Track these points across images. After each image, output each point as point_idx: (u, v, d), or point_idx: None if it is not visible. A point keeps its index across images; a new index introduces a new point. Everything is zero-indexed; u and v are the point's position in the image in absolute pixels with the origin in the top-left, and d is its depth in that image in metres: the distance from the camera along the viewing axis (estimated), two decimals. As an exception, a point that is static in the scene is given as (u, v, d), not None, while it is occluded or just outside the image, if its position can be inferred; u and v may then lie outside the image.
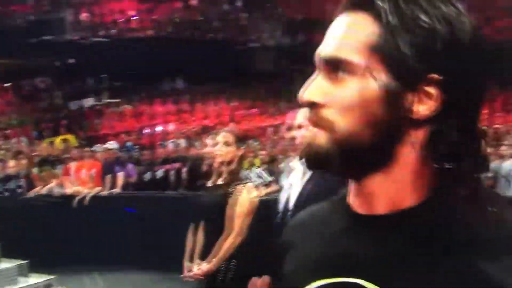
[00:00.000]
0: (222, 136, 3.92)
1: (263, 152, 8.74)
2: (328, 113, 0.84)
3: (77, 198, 8.07)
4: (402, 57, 0.80)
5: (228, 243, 3.78)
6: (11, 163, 9.18)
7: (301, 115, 3.29)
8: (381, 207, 0.86)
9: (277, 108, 20.14)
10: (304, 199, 3.15)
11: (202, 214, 4.07)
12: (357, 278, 0.82)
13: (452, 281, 0.76)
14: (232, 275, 3.76)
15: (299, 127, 3.22)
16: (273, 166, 8.55)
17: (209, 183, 4.10)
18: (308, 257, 0.93)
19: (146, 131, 15.98)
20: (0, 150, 10.83)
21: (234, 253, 3.79)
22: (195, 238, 4.07)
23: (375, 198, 0.87)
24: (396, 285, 0.79)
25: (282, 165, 7.86)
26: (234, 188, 3.83)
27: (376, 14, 0.82)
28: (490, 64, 0.85)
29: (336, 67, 0.84)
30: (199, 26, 23.78)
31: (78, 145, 13.01)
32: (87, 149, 9.69)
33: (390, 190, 0.85)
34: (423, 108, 0.81)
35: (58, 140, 13.42)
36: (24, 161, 9.36)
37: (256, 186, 7.18)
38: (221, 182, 3.91)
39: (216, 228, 3.89)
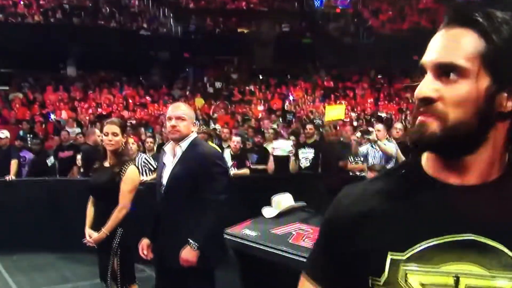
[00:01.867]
0: (109, 128, 4.65)
1: (150, 140, 9.40)
2: (440, 106, 1.10)
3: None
4: (502, 65, 1.08)
5: (114, 215, 4.58)
6: None
7: (171, 109, 4.24)
8: (473, 179, 1.14)
9: (170, 97, 20.72)
10: (173, 176, 4.12)
11: (96, 190, 4.85)
12: (472, 235, 1.08)
13: None
14: (119, 240, 4.62)
15: (169, 118, 4.15)
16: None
17: (97, 165, 4.91)
18: (406, 221, 1.14)
19: (39, 119, 15.96)
20: None
21: (121, 223, 4.64)
22: (92, 209, 4.83)
23: (469, 171, 1.14)
24: (504, 239, 1.08)
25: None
26: (120, 169, 4.66)
27: (480, 30, 1.09)
28: None
29: (447, 70, 1.09)
30: (89, 13, 23.79)
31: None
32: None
33: (482, 165, 1.13)
34: (511, 103, 1.10)
35: None
36: None
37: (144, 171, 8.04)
38: (107, 164, 4.74)
39: (107, 202, 4.67)
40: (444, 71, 1.10)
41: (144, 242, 4.32)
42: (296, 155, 8.74)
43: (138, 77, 23.43)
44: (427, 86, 1.11)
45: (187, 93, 21.68)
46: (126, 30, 24.07)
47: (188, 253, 3.92)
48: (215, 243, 4.10)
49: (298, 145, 9.17)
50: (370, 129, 7.80)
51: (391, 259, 1.11)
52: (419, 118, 1.12)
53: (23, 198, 8.57)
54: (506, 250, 1.06)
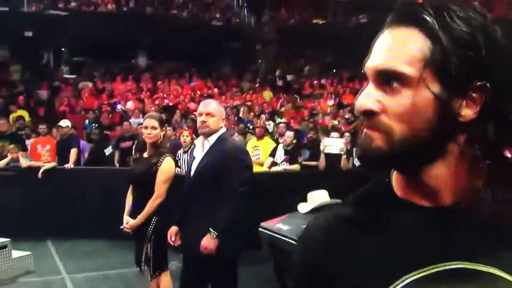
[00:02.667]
0: (149, 122, 5.18)
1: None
2: (384, 119, 0.99)
3: (42, 170, 9.39)
4: (452, 69, 0.95)
5: (149, 204, 5.10)
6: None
7: (201, 105, 4.71)
8: (447, 199, 1.03)
9: (238, 89, 21.21)
10: (200, 168, 4.59)
11: (134, 179, 5.38)
12: (460, 263, 0.97)
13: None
14: (154, 228, 5.12)
15: (200, 114, 4.62)
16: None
17: (137, 156, 5.45)
18: (383, 255, 1.02)
19: (106, 109, 16.66)
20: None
21: (155, 211, 5.14)
22: (131, 197, 5.38)
23: (439, 191, 1.02)
24: (491, 263, 0.97)
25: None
26: (157, 160, 5.17)
27: (426, 29, 0.97)
28: None
29: (389, 78, 0.98)
30: (162, 2, 24.49)
31: (32, 122, 14.06)
32: (42, 126, 10.86)
33: (450, 183, 1.02)
34: (469, 111, 0.97)
35: (13, 116, 14.31)
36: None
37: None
38: (146, 156, 5.25)
39: (144, 191, 5.19)
40: (386, 79, 0.99)
41: (173, 229, 4.82)
42: (349, 152, 9.05)
43: (208, 68, 23.92)
44: (368, 97, 1.01)
45: (256, 85, 22.12)
46: (198, 20, 24.59)
47: (208, 241, 4.38)
48: (235, 232, 4.52)
49: (353, 143, 9.45)
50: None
51: None
52: (365, 131, 1.04)
53: (79, 186, 9.34)
54: (500, 273, 0.97)
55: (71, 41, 23.29)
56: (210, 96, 19.69)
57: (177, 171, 6.40)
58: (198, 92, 20.30)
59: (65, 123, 10.47)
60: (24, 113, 14.98)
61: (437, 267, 0.97)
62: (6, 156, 9.92)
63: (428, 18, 0.97)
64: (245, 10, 26.21)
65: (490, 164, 0.99)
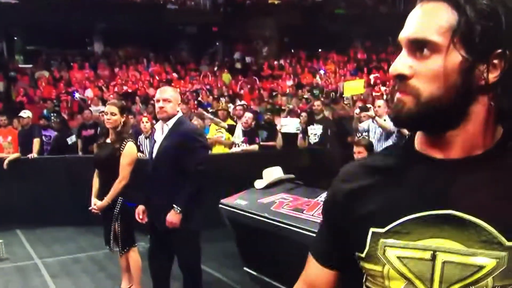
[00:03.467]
0: (109, 108, 5.67)
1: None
2: (415, 83, 1.16)
3: (6, 161, 9.70)
4: (476, 37, 1.11)
5: (115, 186, 5.60)
6: None
7: (158, 92, 5.23)
8: (456, 153, 1.20)
9: (197, 73, 21.60)
10: (161, 150, 5.11)
11: (99, 164, 5.88)
12: (451, 210, 1.15)
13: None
14: (120, 208, 5.63)
15: (158, 101, 5.14)
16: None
17: (100, 141, 5.94)
18: (389, 196, 1.24)
19: (65, 98, 16.87)
20: None
21: (121, 192, 5.65)
22: (97, 181, 5.88)
23: (452, 145, 1.20)
24: (486, 214, 1.13)
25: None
26: (120, 145, 5.66)
27: (453, 2, 1.13)
28: None
29: (421, 46, 1.16)
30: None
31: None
32: (2, 117, 11.13)
33: (464, 139, 1.19)
34: (491, 76, 1.13)
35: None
36: None
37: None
38: (109, 141, 5.75)
39: (109, 174, 5.69)
40: (418, 47, 1.16)
41: (140, 208, 5.36)
42: (305, 132, 9.64)
43: (166, 53, 24.23)
44: (401, 63, 1.19)
45: (215, 68, 22.54)
46: (153, 4, 24.71)
47: (172, 216, 4.92)
48: (196, 207, 5.06)
49: (308, 122, 10.05)
50: (369, 105, 8.56)
51: (372, 233, 1.23)
52: (397, 95, 1.21)
53: (45, 175, 9.69)
54: (486, 225, 1.12)
55: (23, 29, 23.32)
56: (169, 81, 20.11)
57: (139, 155, 6.87)
58: (157, 78, 20.60)
59: (26, 113, 10.80)
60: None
61: (431, 211, 1.16)
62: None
63: None
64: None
65: (506, 125, 1.20)
